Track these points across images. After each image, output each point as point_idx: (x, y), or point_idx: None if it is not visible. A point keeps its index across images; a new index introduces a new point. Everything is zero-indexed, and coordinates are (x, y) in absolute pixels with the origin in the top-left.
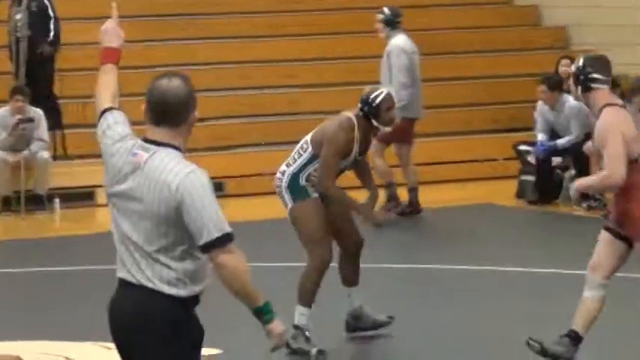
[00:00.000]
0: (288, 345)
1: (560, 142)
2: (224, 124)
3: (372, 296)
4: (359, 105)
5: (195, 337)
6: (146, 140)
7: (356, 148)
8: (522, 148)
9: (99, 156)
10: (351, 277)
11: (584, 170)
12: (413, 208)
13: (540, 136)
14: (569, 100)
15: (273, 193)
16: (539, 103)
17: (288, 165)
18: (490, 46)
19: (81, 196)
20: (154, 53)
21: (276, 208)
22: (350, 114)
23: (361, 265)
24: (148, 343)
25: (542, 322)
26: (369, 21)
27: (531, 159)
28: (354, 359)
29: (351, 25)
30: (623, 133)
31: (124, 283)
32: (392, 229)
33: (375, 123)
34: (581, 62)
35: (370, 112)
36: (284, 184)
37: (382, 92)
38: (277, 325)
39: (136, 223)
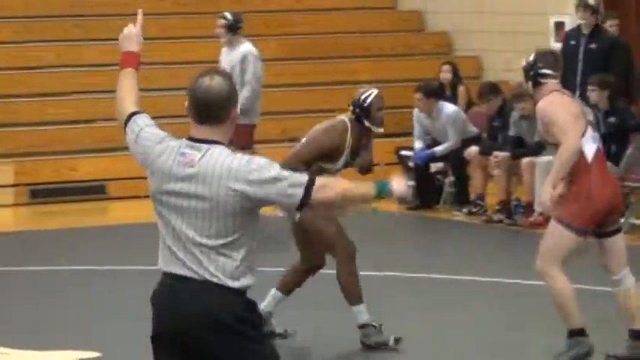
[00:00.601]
0: (364, 344)
1: (438, 149)
2: (107, 126)
3: None
4: (351, 108)
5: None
6: (192, 139)
7: (347, 152)
8: (404, 153)
9: None
10: (292, 286)
11: (462, 176)
12: None
13: (417, 144)
14: (446, 107)
15: None
16: (416, 111)
17: None
18: (374, 51)
19: None
20: (36, 53)
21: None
22: (344, 117)
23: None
24: (225, 340)
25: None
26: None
27: (412, 164)
28: None
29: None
30: (569, 111)
31: (178, 278)
32: None
33: (367, 124)
34: (532, 57)
35: (362, 113)
36: None
37: (372, 93)
38: (396, 183)
39: (193, 220)
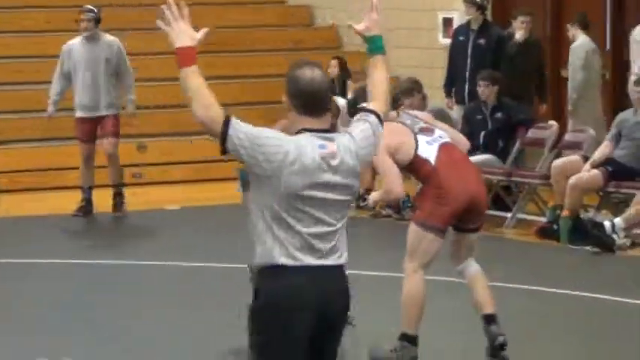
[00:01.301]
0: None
1: None
2: None
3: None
4: None
5: None
6: (317, 131)
7: None
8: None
9: None
10: None
11: None
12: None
13: None
14: (338, 101)
15: (48, 189)
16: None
17: None
18: (262, 45)
19: None
20: None
21: (49, 204)
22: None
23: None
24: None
25: None
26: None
27: None
28: None
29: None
30: (388, 145)
31: (318, 269)
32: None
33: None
34: (351, 95)
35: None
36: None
37: None
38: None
39: (334, 209)
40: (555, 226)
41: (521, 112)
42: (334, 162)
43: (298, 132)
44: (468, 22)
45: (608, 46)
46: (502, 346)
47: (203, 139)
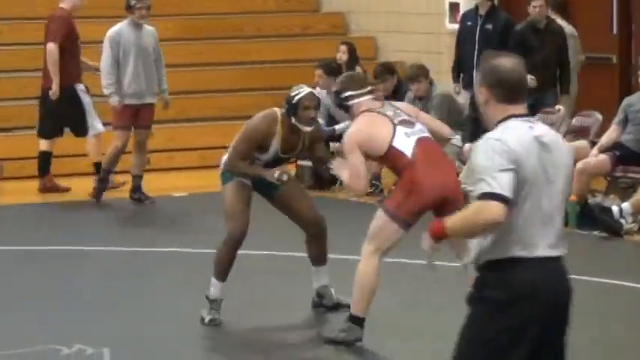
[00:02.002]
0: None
1: (339, 127)
2: (2, 106)
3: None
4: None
5: None
6: (521, 115)
7: (275, 144)
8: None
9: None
10: (315, 256)
11: None
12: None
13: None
14: None
15: (59, 175)
16: (317, 89)
17: (227, 153)
18: (270, 31)
19: None
20: None
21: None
22: (277, 109)
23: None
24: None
25: None
26: None
27: None
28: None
29: None
30: (356, 136)
31: (548, 260)
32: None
33: (293, 121)
34: (336, 88)
35: (290, 109)
36: (220, 170)
37: (302, 91)
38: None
39: (552, 195)
40: None
41: (528, 98)
42: (546, 140)
43: (503, 120)
44: (476, 7)
45: (615, 30)
46: None
47: (207, 125)
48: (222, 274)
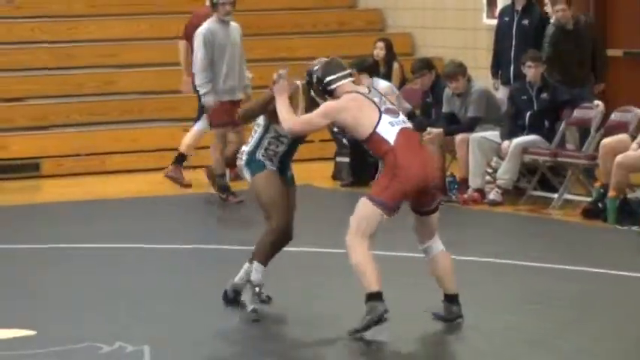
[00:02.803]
0: (235, 295)
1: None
2: (39, 104)
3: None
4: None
5: None
6: None
7: (299, 114)
8: (337, 129)
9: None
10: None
11: None
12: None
13: None
14: (380, 83)
15: (90, 173)
16: None
17: (246, 144)
18: (307, 27)
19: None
20: None
21: (94, 188)
22: (298, 81)
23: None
24: None
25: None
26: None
27: (346, 141)
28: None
29: (171, 6)
30: (342, 118)
31: None
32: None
33: (312, 94)
34: (314, 78)
35: (309, 82)
36: (243, 162)
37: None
38: None
39: None
40: (601, 206)
41: (566, 93)
42: None
43: None
44: (512, 3)
45: None
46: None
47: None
48: (266, 260)
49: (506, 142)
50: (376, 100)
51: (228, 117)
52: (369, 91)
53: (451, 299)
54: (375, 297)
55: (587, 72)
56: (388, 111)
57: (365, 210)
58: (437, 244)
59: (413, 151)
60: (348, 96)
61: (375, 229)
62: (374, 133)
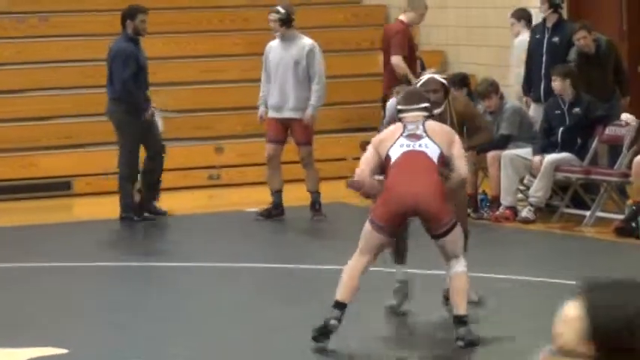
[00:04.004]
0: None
1: None
2: (69, 123)
3: (238, 294)
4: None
5: None
6: None
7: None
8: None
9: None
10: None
11: None
12: (280, 210)
13: None
14: None
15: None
16: (392, 101)
17: None
18: (339, 45)
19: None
20: None
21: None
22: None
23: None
24: None
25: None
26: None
27: None
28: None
29: (197, 25)
30: (375, 143)
31: None
32: (260, 228)
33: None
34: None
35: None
36: None
37: (423, 78)
38: None
39: None
40: (634, 224)
41: (600, 108)
42: None
43: None
44: (544, 20)
45: None
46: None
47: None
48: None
49: (537, 158)
50: (410, 127)
51: (267, 132)
52: (418, 120)
53: (456, 320)
54: (335, 305)
55: (612, 88)
56: (409, 136)
57: (364, 228)
58: (455, 266)
59: (406, 173)
60: (391, 127)
61: (372, 247)
62: (387, 156)
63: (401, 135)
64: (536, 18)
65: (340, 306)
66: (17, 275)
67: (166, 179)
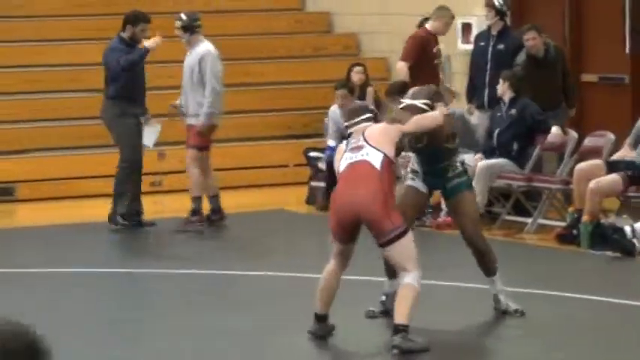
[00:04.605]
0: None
1: None
2: (14, 128)
3: (176, 301)
4: None
5: None
6: None
7: None
8: (312, 154)
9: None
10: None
11: None
12: (219, 216)
13: (331, 142)
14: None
15: (67, 197)
16: (333, 108)
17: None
18: (282, 52)
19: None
20: None
21: (69, 212)
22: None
23: (161, 270)
24: None
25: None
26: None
27: (322, 165)
28: None
29: None
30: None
31: None
32: (194, 236)
33: None
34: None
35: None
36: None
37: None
38: None
39: None
40: (575, 231)
41: (537, 113)
42: None
43: None
44: (489, 28)
45: (627, 50)
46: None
47: (224, 146)
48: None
49: (478, 156)
50: (352, 140)
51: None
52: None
53: (394, 328)
54: (319, 319)
55: (558, 98)
56: (352, 149)
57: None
58: (403, 279)
59: (348, 184)
60: (342, 145)
61: (335, 254)
62: (338, 171)
63: (346, 150)
64: (480, 26)
65: (315, 317)
66: None
67: (109, 186)
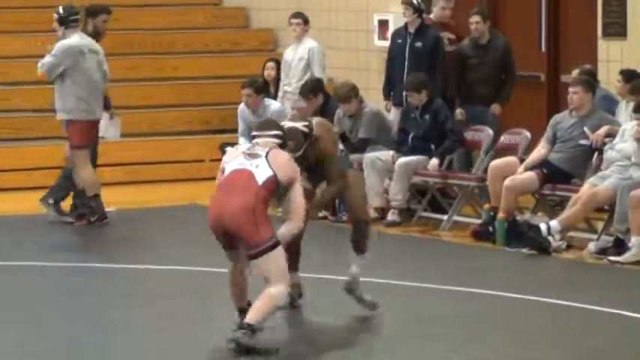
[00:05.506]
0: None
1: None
2: None
3: (69, 294)
4: None
5: None
6: None
7: None
8: (228, 149)
9: None
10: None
11: None
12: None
13: (241, 140)
14: (272, 104)
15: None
16: (241, 107)
17: None
18: (198, 47)
19: None
20: None
21: (12, 205)
22: None
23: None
24: None
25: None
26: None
27: None
28: None
29: None
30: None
31: None
32: (95, 232)
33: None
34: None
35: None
36: None
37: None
38: None
39: None
40: (491, 229)
41: (447, 119)
42: None
43: None
44: (406, 25)
45: (543, 48)
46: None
47: (137, 140)
48: None
49: (391, 153)
50: (256, 147)
51: None
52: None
53: (241, 324)
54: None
55: (493, 92)
56: (249, 155)
57: None
58: (269, 289)
59: (223, 192)
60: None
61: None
62: (222, 172)
63: (243, 152)
64: (396, 22)
65: (240, 311)
66: None
67: (16, 179)
